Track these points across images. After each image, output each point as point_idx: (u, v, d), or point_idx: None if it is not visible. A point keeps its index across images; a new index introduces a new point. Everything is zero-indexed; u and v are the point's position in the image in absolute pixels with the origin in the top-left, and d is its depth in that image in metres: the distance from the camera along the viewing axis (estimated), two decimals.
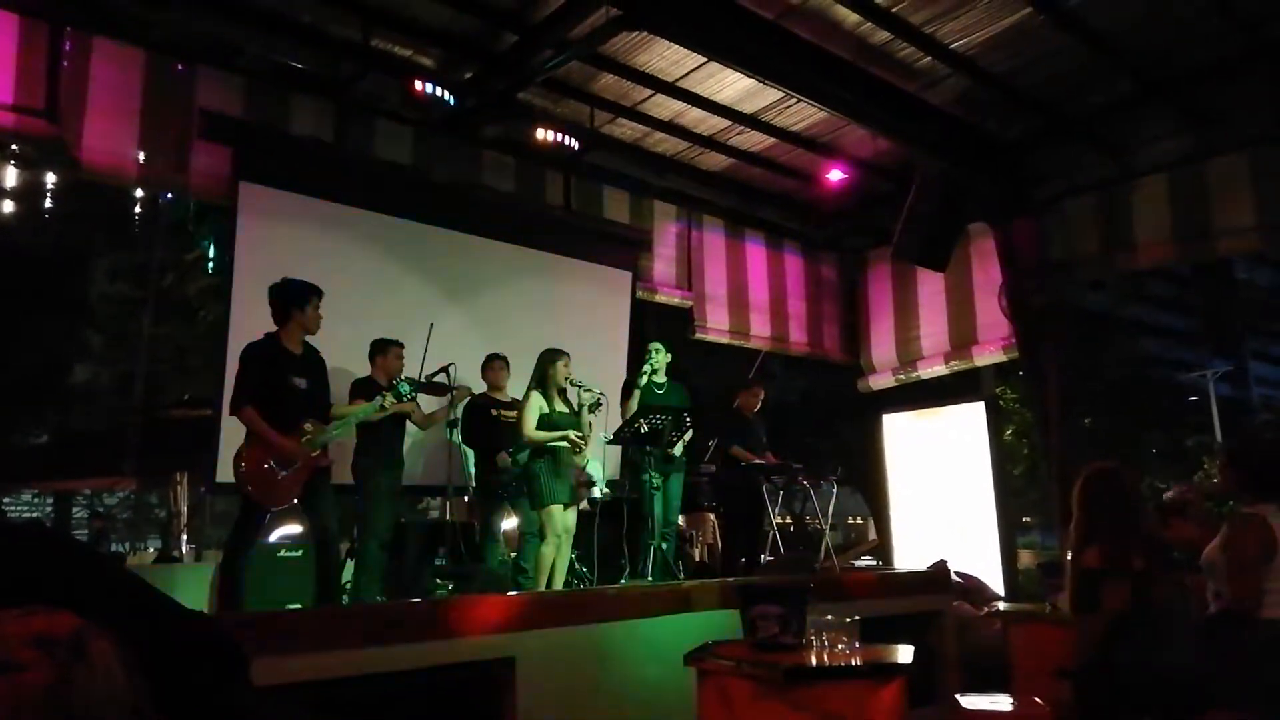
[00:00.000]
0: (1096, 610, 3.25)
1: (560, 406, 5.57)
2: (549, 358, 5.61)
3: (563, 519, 5.39)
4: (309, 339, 4.80)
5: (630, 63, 6.35)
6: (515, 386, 6.07)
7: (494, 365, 6.15)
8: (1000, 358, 8.28)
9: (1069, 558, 3.41)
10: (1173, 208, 7.00)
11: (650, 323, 8.27)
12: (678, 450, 6.21)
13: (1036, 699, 3.84)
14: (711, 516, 7.68)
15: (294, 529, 7.07)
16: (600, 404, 5.79)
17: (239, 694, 1.01)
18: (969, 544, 7.96)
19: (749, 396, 7.41)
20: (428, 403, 5.88)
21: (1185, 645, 3.14)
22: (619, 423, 6.13)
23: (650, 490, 5.82)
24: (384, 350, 5.59)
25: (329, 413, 4.86)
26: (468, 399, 5.96)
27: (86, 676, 0.77)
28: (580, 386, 5.73)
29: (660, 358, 6.35)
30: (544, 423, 5.49)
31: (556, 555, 5.37)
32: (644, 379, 6.33)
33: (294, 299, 4.64)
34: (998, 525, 8.12)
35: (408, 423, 5.66)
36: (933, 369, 8.84)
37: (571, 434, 5.48)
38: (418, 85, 5.77)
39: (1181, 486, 5.11)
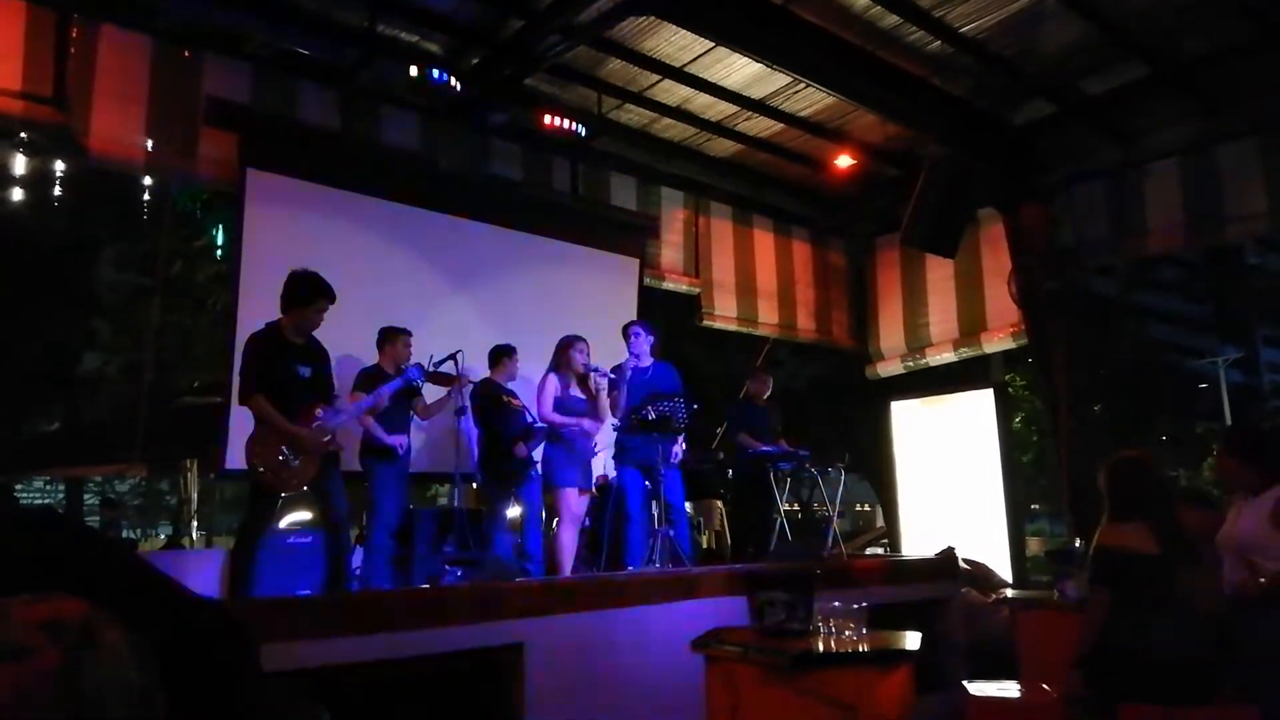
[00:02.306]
0: (1106, 585, 3.26)
1: (576, 391, 5.62)
2: (566, 343, 5.71)
3: (578, 503, 5.43)
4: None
5: (637, 48, 6.31)
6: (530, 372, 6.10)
7: (513, 357, 6.12)
8: (1009, 344, 8.24)
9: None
10: (1183, 193, 6.95)
11: (658, 310, 8.26)
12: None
13: (1044, 686, 3.85)
14: (719, 504, 7.68)
15: (303, 515, 7.12)
16: (615, 388, 5.81)
17: (247, 679, 1.01)
18: (977, 531, 7.94)
19: (757, 384, 7.41)
20: (430, 392, 5.89)
21: (1191, 633, 3.13)
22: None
23: (659, 477, 5.81)
24: (392, 339, 5.60)
25: (334, 399, 4.88)
26: (472, 386, 5.97)
27: (95, 662, 0.77)
28: (597, 372, 5.76)
29: (641, 341, 6.15)
30: (557, 406, 5.53)
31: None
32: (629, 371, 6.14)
33: (299, 295, 4.63)
34: (1006, 512, 8.10)
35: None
36: (941, 356, 8.80)
37: (585, 422, 5.54)
38: (423, 71, 5.75)
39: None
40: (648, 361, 6.15)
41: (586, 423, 5.63)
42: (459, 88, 5.85)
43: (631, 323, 6.33)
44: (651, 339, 6.18)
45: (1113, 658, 3.19)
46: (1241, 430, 9.09)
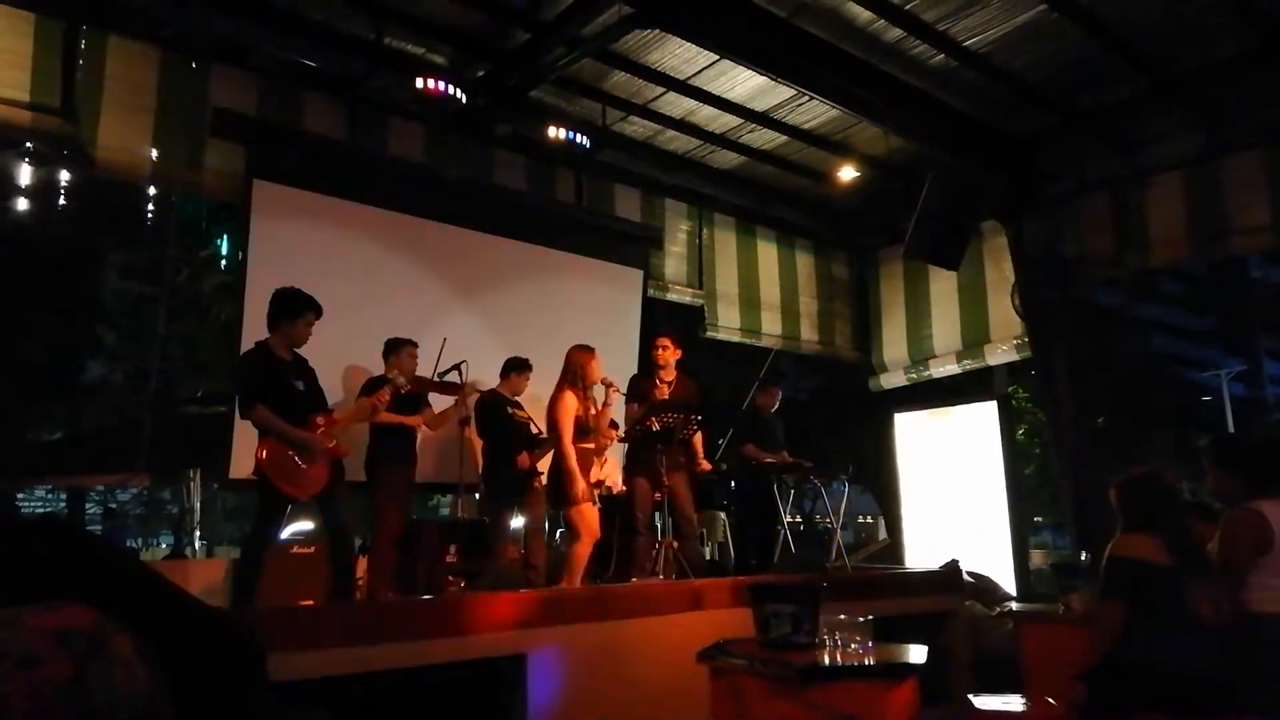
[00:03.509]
0: (1118, 596, 3.25)
1: (591, 408, 5.60)
2: (584, 355, 5.57)
3: (594, 516, 5.45)
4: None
5: (642, 60, 6.33)
6: (537, 385, 6.09)
7: (525, 374, 6.05)
8: (1012, 356, 8.24)
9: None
10: (1186, 205, 6.96)
11: (661, 321, 8.26)
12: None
13: (1049, 699, 3.82)
14: (723, 515, 7.66)
15: (306, 525, 7.10)
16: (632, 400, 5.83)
17: (255, 689, 1.01)
18: (981, 543, 7.93)
19: (765, 396, 7.40)
20: (438, 402, 5.89)
21: (1203, 646, 3.12)
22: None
23: (665, 489, 5.79)
24: (398, 350, 5.60)
25: (329, 411, 4.89)
26: (478, 396, 5.97)
27: (105, 671, 0.77)
28: (611, 387, 5.75)
29: (668, 354, 6.15)
30: (579, 426, 5.49)
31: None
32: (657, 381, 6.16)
33: (287, 310, 4.67)
34: (1010, 525, 8.09)
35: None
36: (944, 368, 8.80)
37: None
38: (429, 83, 5.77)
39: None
40: (672, 375, 6.14)
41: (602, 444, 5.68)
42: (463, 99, 5.88)
43: (661, 334, 6.34)
44: (679, 354, 6.16)
45: (1123, 670, 3.17)
46: (1226, 440, 9.12)
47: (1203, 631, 3.14)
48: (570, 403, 5.43)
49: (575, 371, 5.54)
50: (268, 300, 4.76)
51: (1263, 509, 3.47)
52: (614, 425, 6.10)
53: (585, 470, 5.59)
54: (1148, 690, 3.11)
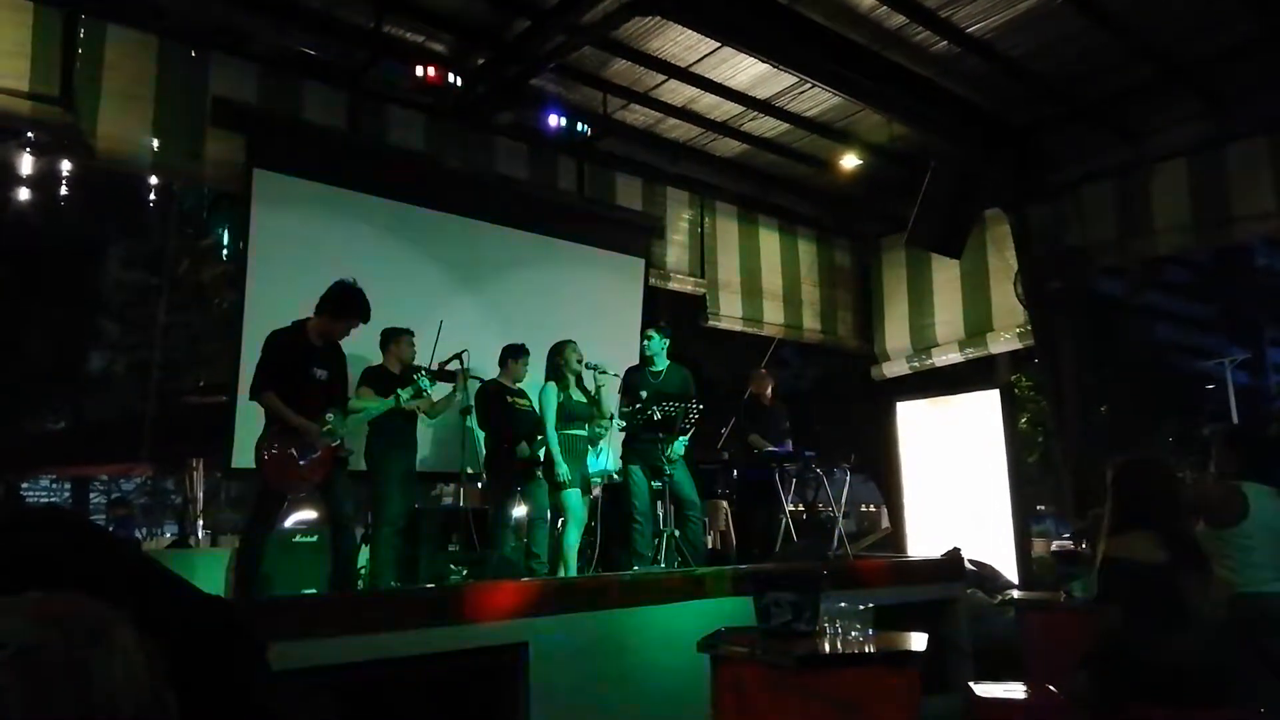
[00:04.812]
0: (1115, 600, 3.24)
1: (577, 395, 5.68)
2: (556, 349, 5.84)
3: (581, 504, 5.51)
4: None
5: (643, 48, 6.31)
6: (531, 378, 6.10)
7: (522, 361, 6.04)
8: (1015, 345, 8.23)
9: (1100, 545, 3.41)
10: (1191, 193, 6.93)
11: (663, 310, 8.25)
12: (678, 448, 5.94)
13: (1050, 687, 3.83)
14: (724, 504, 7.68)
15: (309, 514, 7.12)
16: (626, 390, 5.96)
17: (255, 677, 1.01)
18: (983, 532, 7.93)
19: (758, 383, 7.41)
20: (436, 389, 5.90)
21: (1201, 639, 3.12)
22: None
23: (666, 477, 5.81)
24: (395, 339, 5.60)
25: (346, 403, 4.88)
26: (479, 385, 5.97)
27: (105, 659, 0.77)
28: (596, 369, 5.88)
29: (657, 344, 6.14)
30: (562, 414, 5.68)
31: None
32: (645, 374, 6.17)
33: (335, 307, 4.65)
34: (1012, 513, 8.09)
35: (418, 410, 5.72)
36: (947, 356, 8.79)
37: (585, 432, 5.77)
38: (430, 71, 5.76)
39: None
40: (663, 364, 6.15)
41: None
42: (458, 82, 5.87)
43: (649, 325, 6.44)
44: (667, 342, 6.20)
45: (1121, 661, 3.17)
46: (1246, 428, 9.27)
47: (1201, 624, 3.13)
48: (552, 392, 5.73)
49: (554, 364, 5.83)
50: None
51: (1245, 490, 3.55)
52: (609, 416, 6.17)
53: (576, 455, 5.66)
54: (1148, 681, 3.11)
